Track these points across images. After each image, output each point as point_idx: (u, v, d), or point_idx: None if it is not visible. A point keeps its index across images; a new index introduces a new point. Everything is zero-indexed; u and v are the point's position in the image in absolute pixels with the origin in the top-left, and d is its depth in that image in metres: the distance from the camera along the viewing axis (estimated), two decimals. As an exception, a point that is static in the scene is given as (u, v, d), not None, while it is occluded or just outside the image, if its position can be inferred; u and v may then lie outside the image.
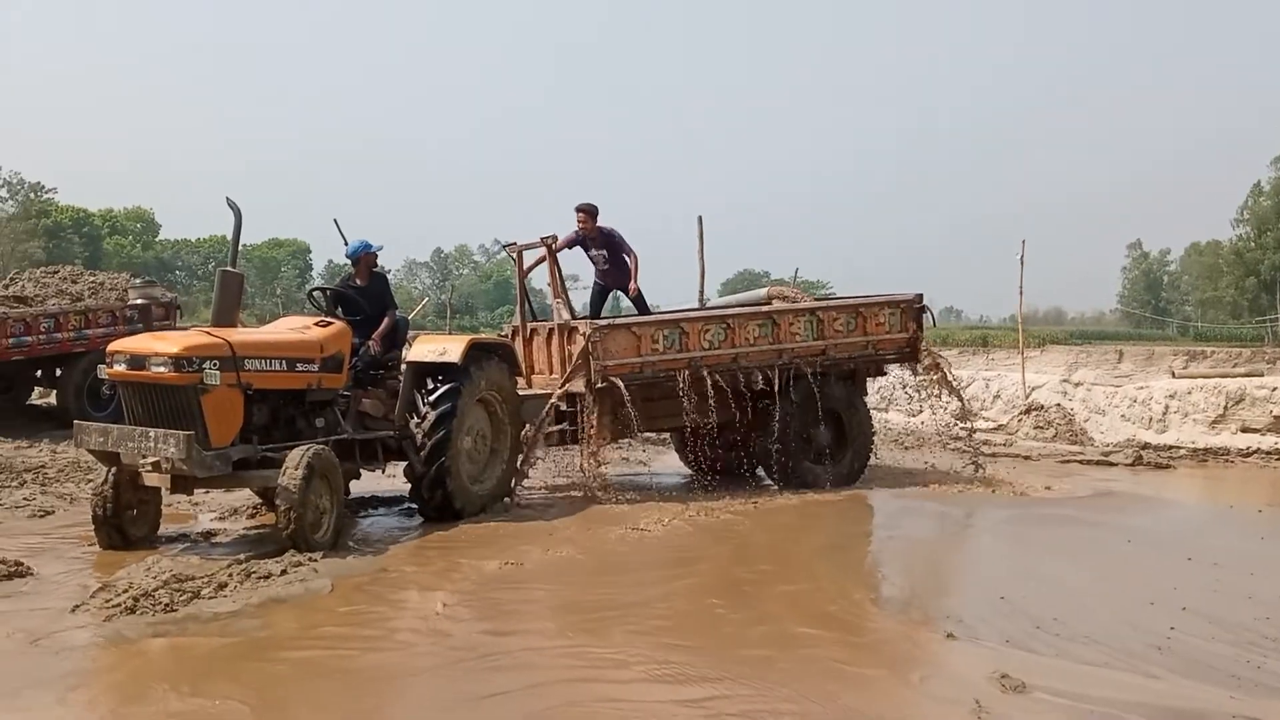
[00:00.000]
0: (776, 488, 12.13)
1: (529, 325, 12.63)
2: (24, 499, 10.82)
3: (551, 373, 12.04)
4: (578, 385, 11.20)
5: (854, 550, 9.38)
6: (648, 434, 12.99)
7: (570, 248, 12.51)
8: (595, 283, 13.02)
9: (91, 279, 19.38)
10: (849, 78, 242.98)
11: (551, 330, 12.09)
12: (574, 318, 12.13)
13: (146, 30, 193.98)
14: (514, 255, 12.79)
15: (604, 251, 12.58)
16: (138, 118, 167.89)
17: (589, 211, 12.41)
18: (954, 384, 13.30)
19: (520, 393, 11.18)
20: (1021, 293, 23.28)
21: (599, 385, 11.04)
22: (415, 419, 9.86)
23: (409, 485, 10.08)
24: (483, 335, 11.46)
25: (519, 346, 12.31)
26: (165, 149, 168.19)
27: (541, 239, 12.03)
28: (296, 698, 5.31)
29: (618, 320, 11.90)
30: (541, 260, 12.33)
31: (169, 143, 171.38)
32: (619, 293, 13.03)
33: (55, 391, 17.95)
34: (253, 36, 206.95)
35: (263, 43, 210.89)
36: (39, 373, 17.90)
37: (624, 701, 5.26)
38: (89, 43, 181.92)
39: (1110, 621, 6.82)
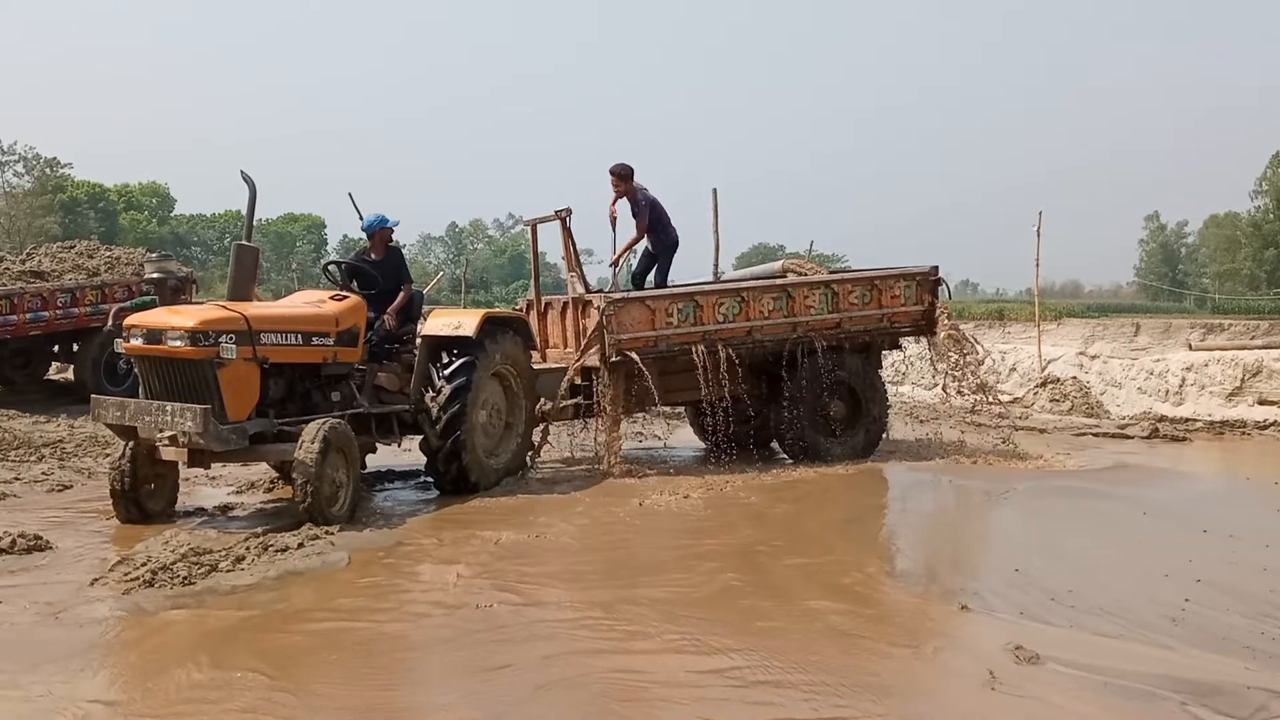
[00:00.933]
0: (791, 461, 12.14)
1: (543, 299, 12.63)
2: (42, 473, 10.90)
3: (566, 347, 12.05)
4: (592, 359, 11.20)
5: (869, 523, 9.38)
6: (663, 408, 12.98)
7: (615, 220, 12.41)
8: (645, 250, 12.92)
9: (108, 254, 19.43)
10: (863, 48, 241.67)
11: (566, 304, 12.09)
12: (588, 291, 12.12)
13: (159, 6, 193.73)
14: (529, 228, 12.78)
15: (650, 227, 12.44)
16: (152, 93, 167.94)
17: (618, 174, 12.25)
18: (977, 355, 13.17)
19: (535, 367, 11.19)
20: (1038, 265, 23.18)
21: (613, 359, 11.04)
22: (430, 393, 9.87)
23: (425, 459, 10.11)
24: (497, 309, 11.46)
25: (533, 320, 12.32)
26: (179, 125, 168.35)
27: (555, 212, 12.01)
28: (314, 669, 5.35)
29: (631, 294, 11.90)
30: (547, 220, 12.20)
31: (183, 119, 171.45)
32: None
33: (72, 366, 18.04)
34: (269, 11, 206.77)
35: (279, 17, 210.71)
36: (56, 348, 17.98)
37: (638, 672, 5.29)
38: (100, 19, 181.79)
39: (1125, 593, 6.81)
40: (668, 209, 12.48)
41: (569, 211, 11.92)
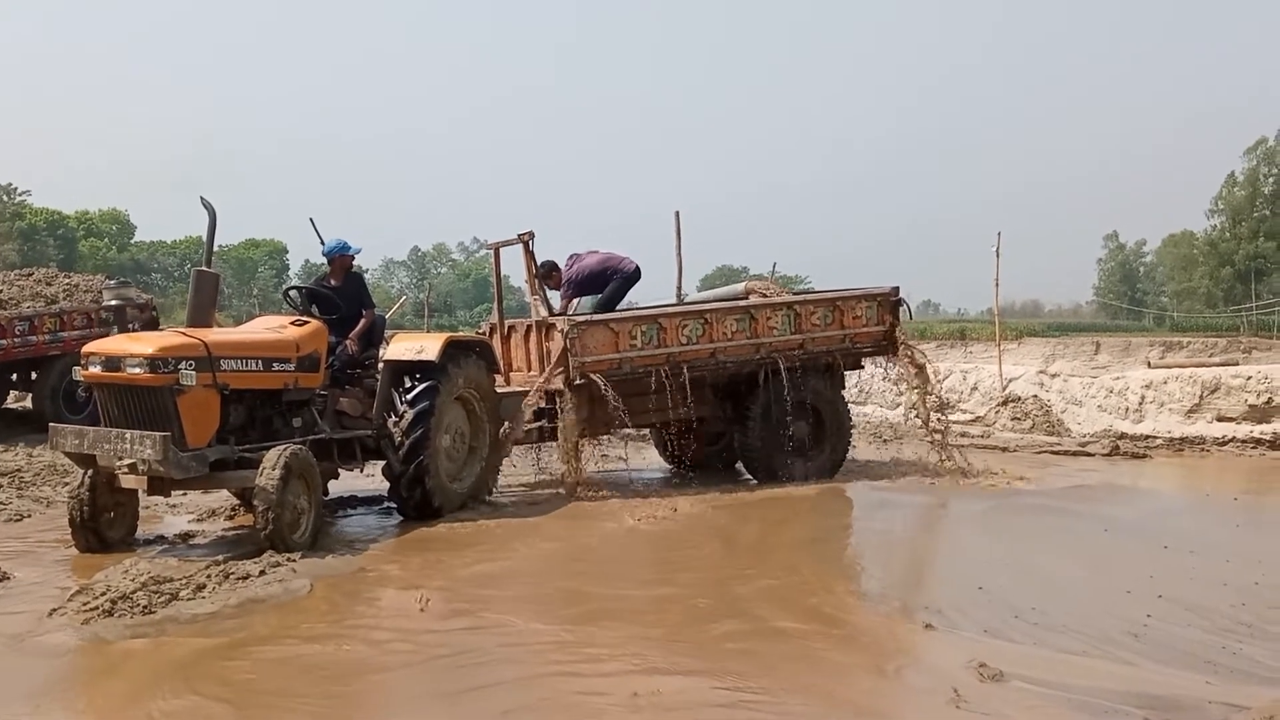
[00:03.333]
0: (756, 482, 12.16)
1: (507, 323, 12.63)
2: None
3: (530, 370, 12.03)
4: (557, 382, 11.19)
5: (834, 543, 9.41)
6: (627, 430, 12.98)
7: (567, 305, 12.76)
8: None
9: (66, 281, 19.23)
10: (822, 70, 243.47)
11: (529, 327, 12.08)
12: (551, 314, 12.13)
13: (113, 26, 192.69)
14: (492, 252, 12.79)
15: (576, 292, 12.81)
16: (109, 118, 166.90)
17: (542, 278, 12.59)
18: (931, 378, 13.29)
19: (499, 390, 11.16)
20: (998, 285, 23.29)
21: (577, 382, 11.03)
22: (393, 418, 9.81)
23: (387, 484, 10.05)
24: (460, 333, 11.43)
25: (497, 344, 12.30)
26: (138, 150, 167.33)
27: (519, 235, 12.02)
28: (277, 696, 5.30)
29: (595, 316, 11.91)
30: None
31: (142, 143, 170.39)
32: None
33: (30, 395, 17.84)
34: (228, 34, 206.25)
35: (237, 41, 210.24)
36: (14, 376, 17.77)
37: (603, 695, 5.27)
38: (56, 37, 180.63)
39: (1088, 610, 6.87)
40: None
41: (531, 235, 11.93)
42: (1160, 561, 8.27)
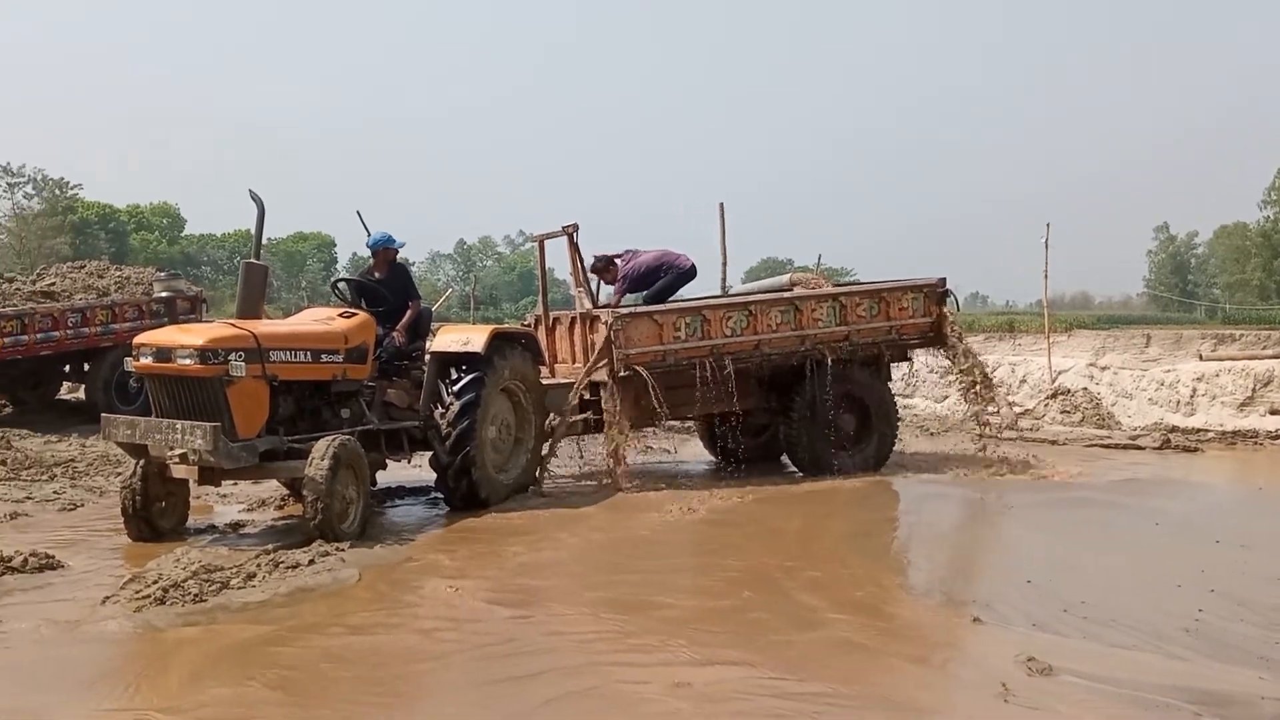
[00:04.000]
0: (801, 474, 12.12)
1: (551, 314, 12.66)
2: (54, 492, 10.92)
3: (574, 362, 12.06)
4: (600, 374, 11.21)
5: (880, 536, 9.35)
6: (672, 422, 12.99)
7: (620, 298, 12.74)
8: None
9: (118, 274, 19.51)
10: (867, 57, 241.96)
11: (574, 319, 12.11)
12: (596, 306, 12.14)
13: (160, 19, 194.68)
14: (537, 245, 12.83)
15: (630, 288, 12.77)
16: (160, 115, 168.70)
17: (597, 271, 12.66)
18: (984, 370, 13.18)
19: (544, 382, 11.20)
20: (1047, 277, 23.10)
21: (621, 374, 11.04)
22: (440, 409, 9.87)
23: (434, 475, 10.11)
24: (506, 325, 11.47)
25: (542, 336, 12.34)
26: (189, 144, 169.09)
27: (563, 228, 12.04)
28: (325, 684, 5.35)
29: (639, 309, 11.91)
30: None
31: (192, 137, 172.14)
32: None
33: (83, 386, 18.08)
34: (275, 27, 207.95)
35: (283, 32, 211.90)
36: (67, 367, 18.04)
37: (646, 684, 5.28)
38: (114, 48, 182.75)
39: (1138, 604, 6.80)
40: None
41: (576, 227, 11.95)
42: (1212, 556, 8.15)
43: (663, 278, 12.58)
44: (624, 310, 11.56)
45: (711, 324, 11.59)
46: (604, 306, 12.13)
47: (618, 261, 12.70)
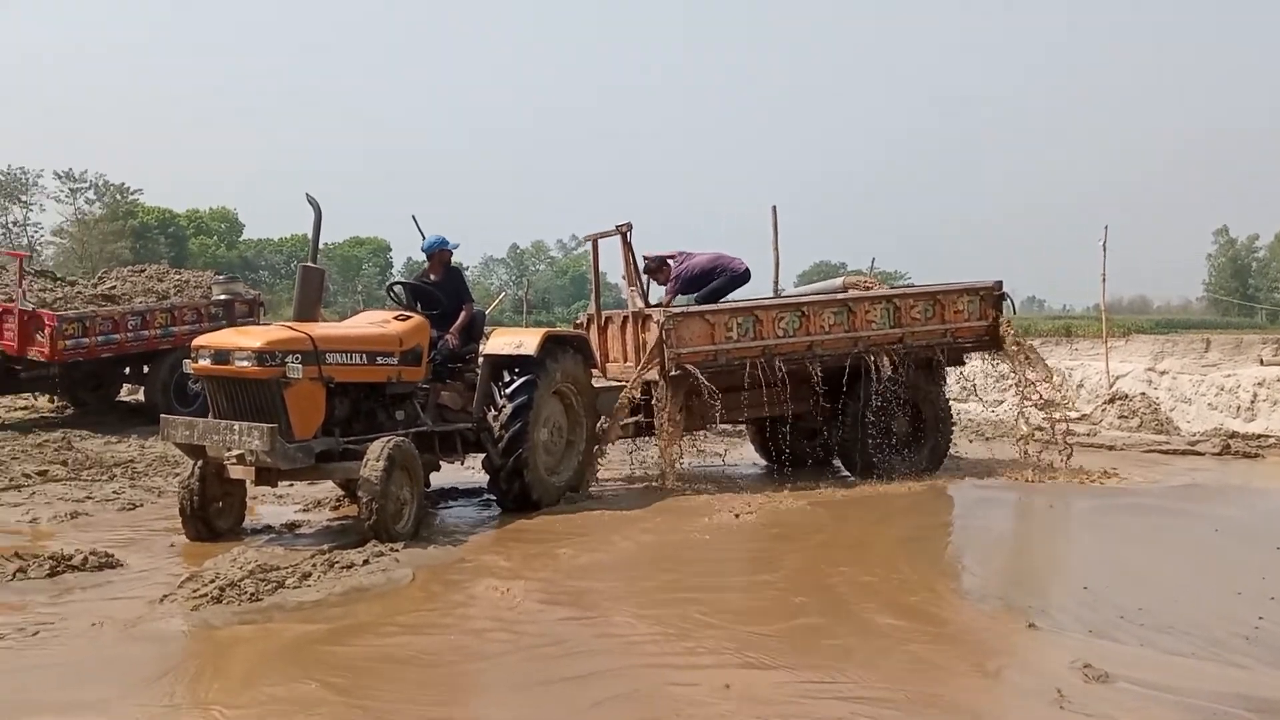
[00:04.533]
0: (853, 478, 12.05)
1: (604, 314, 12.69)
2: (113, 492, 11.08)
3: (626, 361, 12.08)
4: (652, 373, 11.21)
5: (934, 541, 9.28)
6: (723, 425, 12.97)
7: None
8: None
9: (177, 277, 19.79)
10: (917, 57, 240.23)
11: (626, 318, 12.13)
12: (648, 305, 12.15)
13: (231, 36, 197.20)
14: (590, 246, 12.87)
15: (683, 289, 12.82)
16: (222, 121, 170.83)
17: (649, 271, 12.78)
18: (1047, 372, 13.04)
19: (595, 384, 11.22)
20: (1105, 280, 22.83)
21: (673, 373, 11.05)
22: (493, 411, 9.92)
23: (487, 477, 10.16)
24: (558, 328, 11.52)
25: (594, 335, 12.39)
26: (248, 150, 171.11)
27: (616, 227, 12.06)
28: (378, 682, 5.39)
29: (691, 309, 11.92)
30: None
31: (251, 145, 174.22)
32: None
33: (143, 388, 18.34)
34: (333, 37, 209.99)
35: (342, 43, 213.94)
36: (127, 370, 18.29)
37: (697, 686, 5.27)
38: (193, 56, 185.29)
39: (1196, 611, 6.70)
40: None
41: (629, 227, 11.96)
42: (1273, 563, 8.02)
43: (716, 279, 12.59)
44: (676, 310, 11.57)
45: (764, 324, 11.57)
46: (655, 306, 12.14)
47: (670, 262, 12.72)
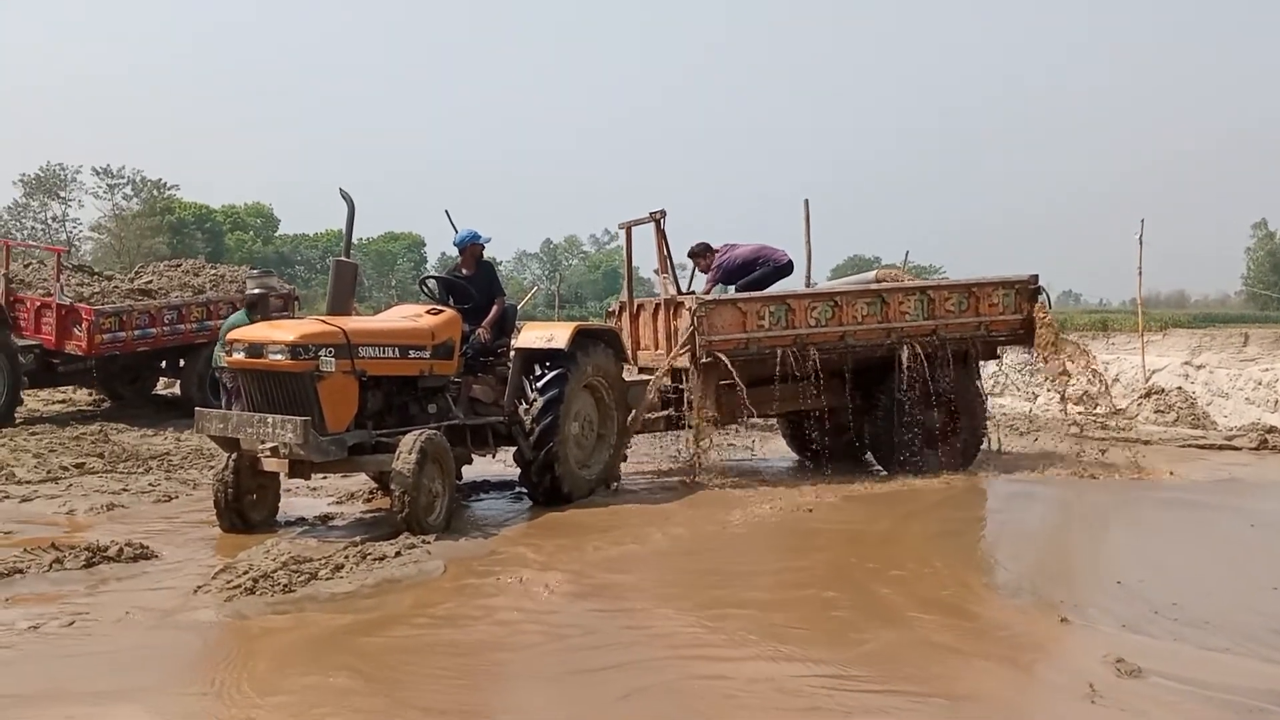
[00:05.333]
0: (885, 473, 12.01)
1: (636, 301, 12.71)
2: (149, 485, 11.18)
3: (657, 349, 12.10)
4: (683, 361, 11.21)
5: (967, 536, 9.24)
6: (755, 420, 12.95)
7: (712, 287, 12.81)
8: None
9: (213, 272, 19.96)
10: (950, 48, 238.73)
11: (658, 306, 12.13)
12: (680, 293, 12.14)
13: (272, 38, 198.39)
14: (624, 234, 12.88)
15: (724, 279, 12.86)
16: (260, 121, 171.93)
17: (693, 256, 12.90)
18: (1096, 369, 12.95)
19: (627, 378, 11.23)
20: (1141, 273, 22.71)
21: (704, 360, 11.04)
22: (524, 405, 9.95)
23: (519, 470, 10.19)
24: (590, 322, 11.53)
25: (626, 322, 12.42)
26: (283, 148, 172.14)
27: (650, 214, 12.05)
28: (410, 672, 5.41)
29: (724, 297, 11.92)
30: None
31: (287, 139, 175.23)
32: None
33: (179, 381, 18.51)
34: (357, 30, 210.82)
35: (368, 38, 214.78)
36: (163, 363, 18.46)
37: (726, 679, 5.27)
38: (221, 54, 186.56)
39: (1231, 606, 6.64)
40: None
41: (663, 213, 11.96)
42: (1311, 559, 7.96)
43: (758, 270, 12.59)
44: (709, 298, 11.56)
45: (796, 314, 11.54)
46: (689, 294, 12.15)
47: (715, 251, 12.72)
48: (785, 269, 12.82)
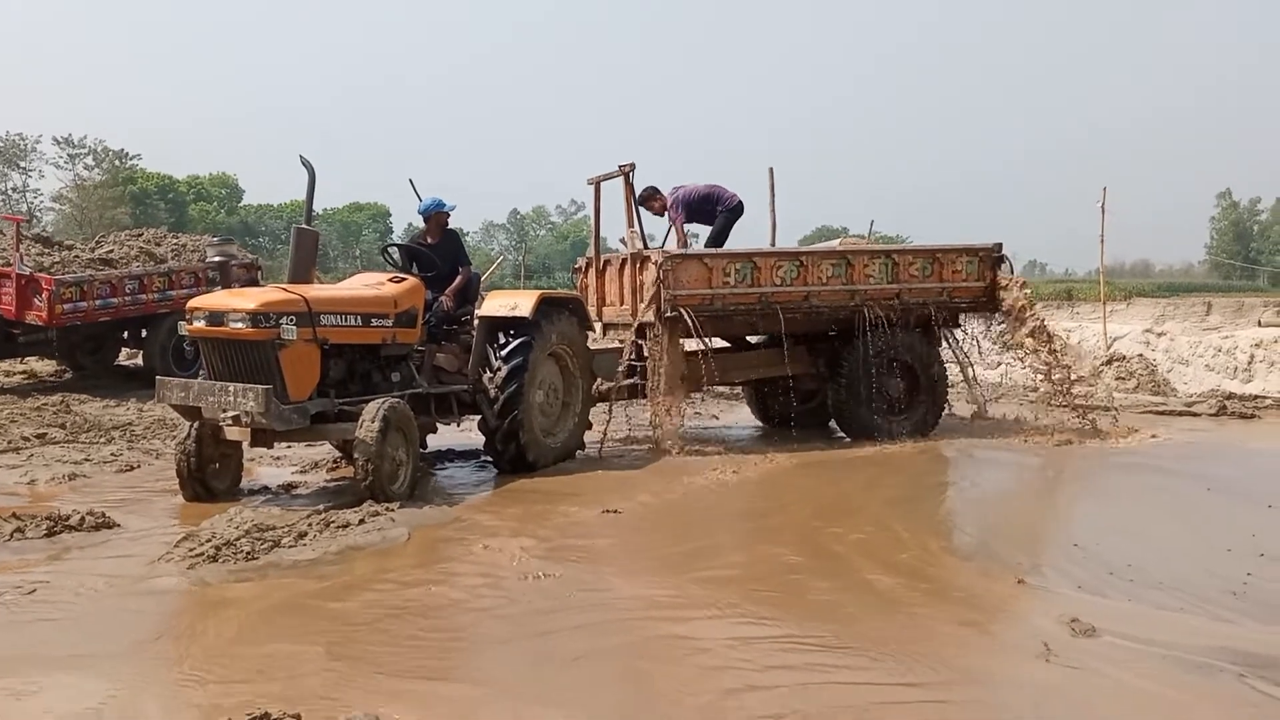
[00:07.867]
0: (849, 440, 12.09)
1: (602, 257, 12.71)
2: (111, 455, 11.13)
3: (623, 304, 12.11)
4: (648, 315, 11.23)
5: (926, 500, 9.31)
6: (720, 388, 13.00)
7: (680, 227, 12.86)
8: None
9: (174, 241, 19.82)
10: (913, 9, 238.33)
11: (624, 261, 12.14)
12: (646, 247, 12.14)
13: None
14: (593, 187, 12.85)
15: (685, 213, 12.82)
16: (221, 82, 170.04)
17: (642, 201, 12.67)
18: (1054, 337, 13.03)
19: (591, 346, 11.25)
20: (1103, 241, 22.85)
21: (668, 314, 11.07)
22: (488, 373, 9.95)
23: (483, 438, 10.20)
24: (554, 290, 11.52)
25: (592, 278, 12.44)
26: (247, 114, 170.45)
27: (620, 167, 12.05)
28: (372, 638, 5.43)
29: (690, 251, 11.96)
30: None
31: (251, 107, 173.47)
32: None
33: (141, 352, 18.38)
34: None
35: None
36: (125, 333, 18.33)
37: (688, 639, 5.32)
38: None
39: (1186, 568, 6.75)
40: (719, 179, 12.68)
41: (632, 167, 11.96)
42: (1264, 520, 8.06)
43: (718, 211, 12.60)
44: (675, 252, 11.58)
45: (762, 271, 11.60)
46: (672, 230, 12.20)
47: (663, 193, 12.74)
48: (737, 210, 12.87)
